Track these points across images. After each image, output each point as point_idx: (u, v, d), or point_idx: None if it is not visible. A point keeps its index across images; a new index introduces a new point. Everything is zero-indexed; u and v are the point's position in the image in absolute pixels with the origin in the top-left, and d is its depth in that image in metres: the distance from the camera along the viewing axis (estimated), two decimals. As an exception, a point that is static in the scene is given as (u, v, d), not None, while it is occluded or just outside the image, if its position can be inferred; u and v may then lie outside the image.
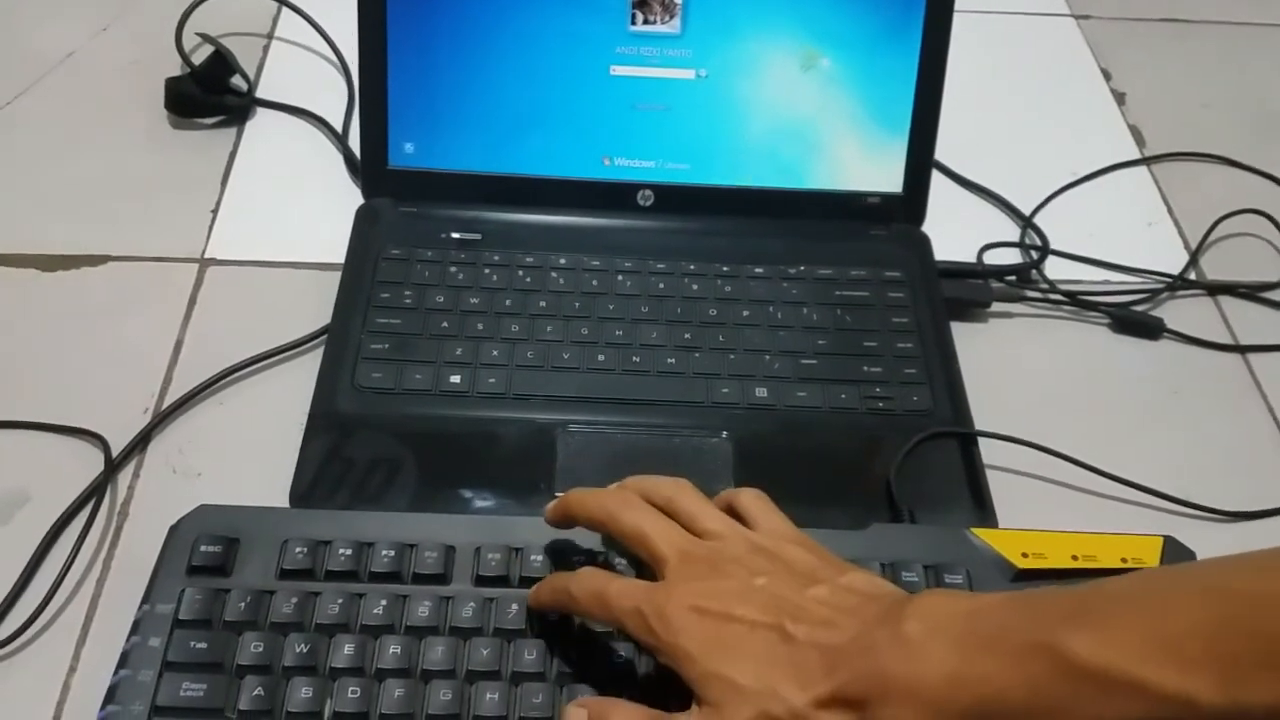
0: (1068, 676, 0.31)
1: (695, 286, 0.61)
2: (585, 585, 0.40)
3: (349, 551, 0.45)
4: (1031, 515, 0.51)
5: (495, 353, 0.56)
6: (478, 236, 0.62)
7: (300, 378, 0.56)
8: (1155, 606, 0.31)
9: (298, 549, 0.45)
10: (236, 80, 0.73)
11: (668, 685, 0.38)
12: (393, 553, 0.45)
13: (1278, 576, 0.30)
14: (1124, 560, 0.47)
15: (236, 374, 0.57)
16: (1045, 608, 0.33)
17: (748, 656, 0.36)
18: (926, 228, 0.64)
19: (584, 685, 0.42)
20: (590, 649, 0.43)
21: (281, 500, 0.51)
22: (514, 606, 0.44)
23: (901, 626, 0.34)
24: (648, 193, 0.64)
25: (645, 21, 0.61)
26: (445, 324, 0.57)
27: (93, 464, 0.53)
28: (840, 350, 0.58)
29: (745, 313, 0.60)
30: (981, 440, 0.55)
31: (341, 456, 0.52)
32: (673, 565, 0.39)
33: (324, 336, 0.58)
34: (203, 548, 0.46)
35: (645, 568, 0.41)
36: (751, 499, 0.43)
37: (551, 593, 0.42)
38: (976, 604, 0.35)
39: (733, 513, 0.43)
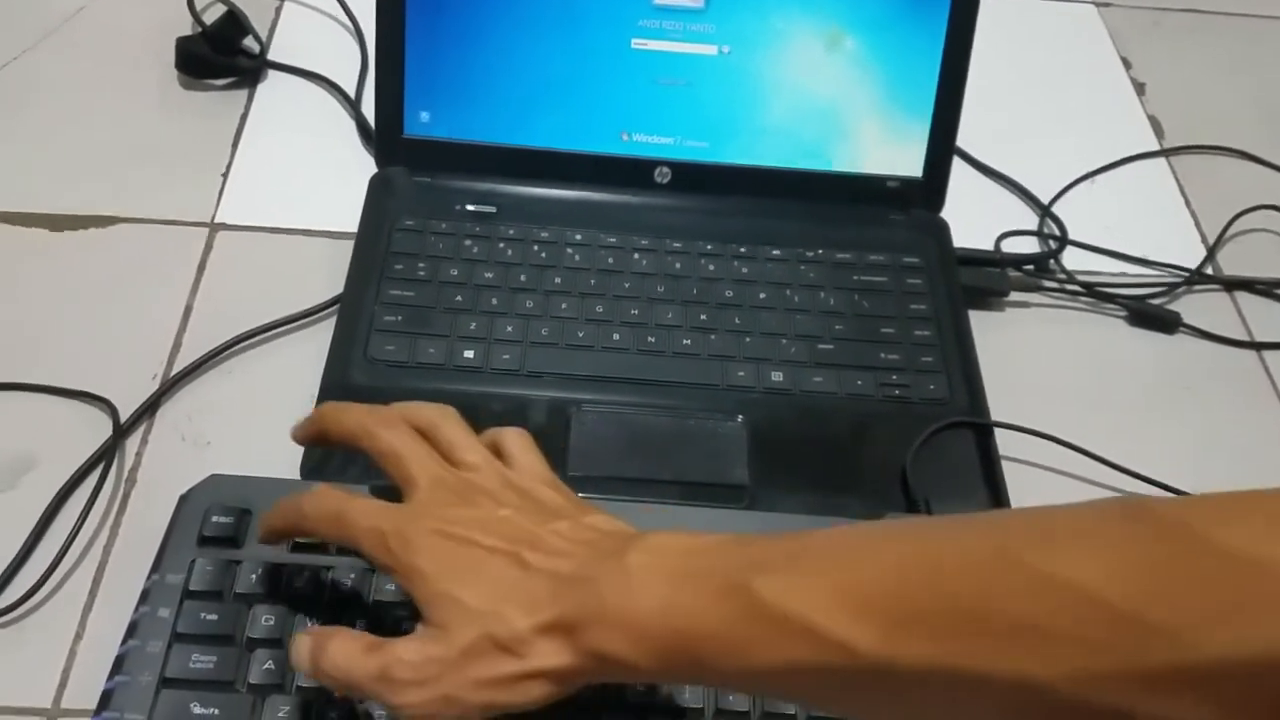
0: (754, 617, 0.32)
1: (712, 267, 0.60)
2: (321, 505, 0.39)
3: (363, 526, 0.44)
4: (1045, 508, 0.51)
5: (509, 329, 0.56)
6: (493, 209, 0.61)
7: (311, 348, 0.56)
8: (848, 558, 0.32)
9: (310, 522, 0.45)
10: (249, 41, 0.72)
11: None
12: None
13: (956, 544, 0.31)
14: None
15: (247, 342, 0.57)
16: (753, 552, 0.34)
17: (481, 580, 0.36)
18: (947, 214, 0.63)
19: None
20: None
21: (292, 472, 0.50)
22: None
23: (625, 559, 0.35)
24: (665, 170, 0.63)
25: (669, -5, 0.60)
26: (459, 298, 0.57)
27: (100, 430, 0.52)
28: (857, 336, 0.58)
29: (762, 295, 0.59)
30: (997, 431, 0.54)
31: (354, 430, 0.51)
32: (423, 489, 0.39)
33: (336, 307, 0.57)
34: (214, 518, 0.45)
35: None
36: (515, 438, 0.43)
37: (283, 516, 0.41)
38: (697, 542, 0.35)
39: (496, 451, 0.42)
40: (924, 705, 0.31)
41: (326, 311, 0.58)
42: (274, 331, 0.57)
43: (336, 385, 0.53)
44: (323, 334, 0.56)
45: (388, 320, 0.55)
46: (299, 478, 0.50)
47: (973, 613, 0.29)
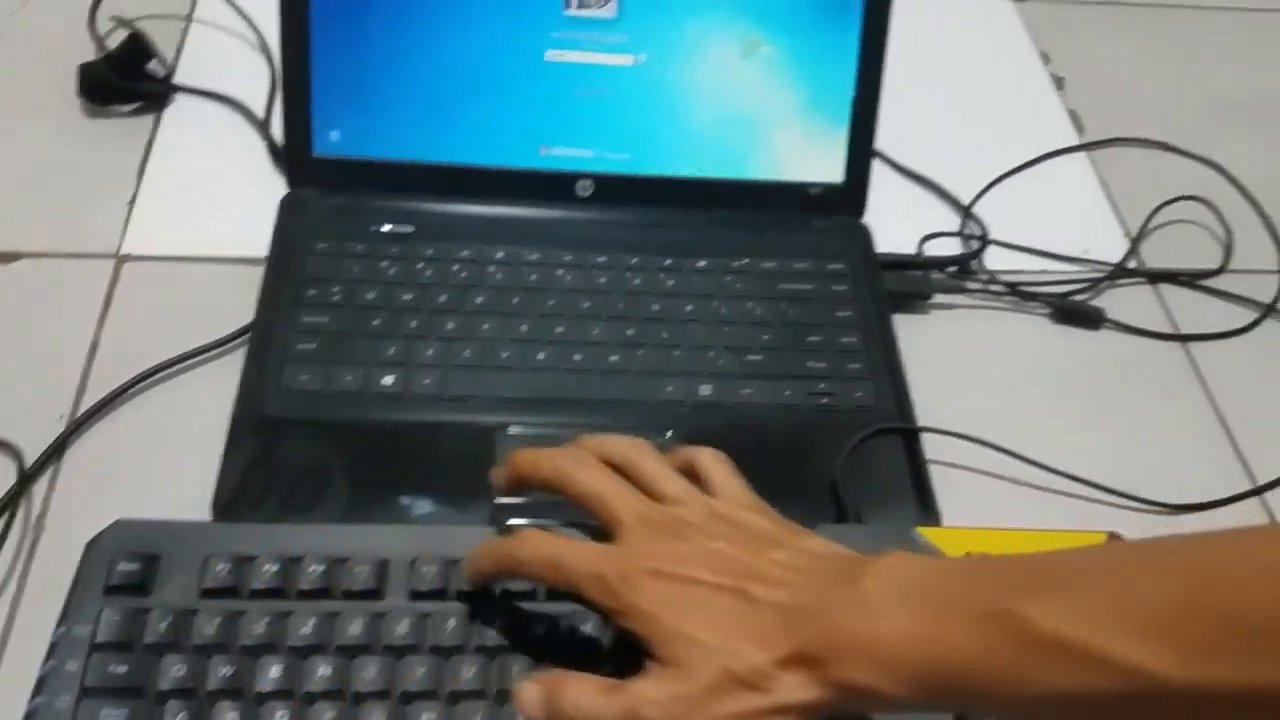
0: (1027, 644, 0.31)
1: (637, 281, 0.59)
2: (535, 551, 0.39)
3: (275, 567, 0.43)
4: (976, 511, 0.51)
5: (430, 352, 0.54)
6: (410, 229, 0.60)
7: (224, 379, 0.54)
8: (1117, 579, 0.32)
9: (220, 566, 0.43)
10: (154, 65, 0.70)
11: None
12: (322, 567, 0.43)
13: (1241, 556, 0.30)
14: (1069, 558, 0.46)
15: (156, 377, 0.55)
16: (1005, 573, 0.34)
17: (710, 617, 0.36)
18: (868, 218, 0.63)
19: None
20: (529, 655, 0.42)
21: (204, 511, 0.49)
22: (451, 622, 0.42)
23: (860, 586, 0.34)
24: (587, 183, 0.62)
25: (581, 5, 0.59)
26: (377, 322, 0.55)
27: (5, 476, 0.50)
28: (784, 345, 0.57)
29: (689, 307, 0.58)
30: (925, 435, 0.54)
31: (267, 464, 0.50)
32: (630, 528, 0.38)
33: (247, 336, 0.55)
34: (120, 566, 0.43)
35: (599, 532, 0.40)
36: (711, 461, 0.42)
37: (494, 559, 0.41)
38: (936, 566, 0.35)
39: (690, 473, 0.42)
40: None
41: (238, 341, 0.56)
42: (184, 364, 0.55)
43: (248, 419, 0.51)
44: (235, 365, 0.54)
45: (301, 348, 0.54)
46: (210, 518, 0.48)
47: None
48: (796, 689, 0.34)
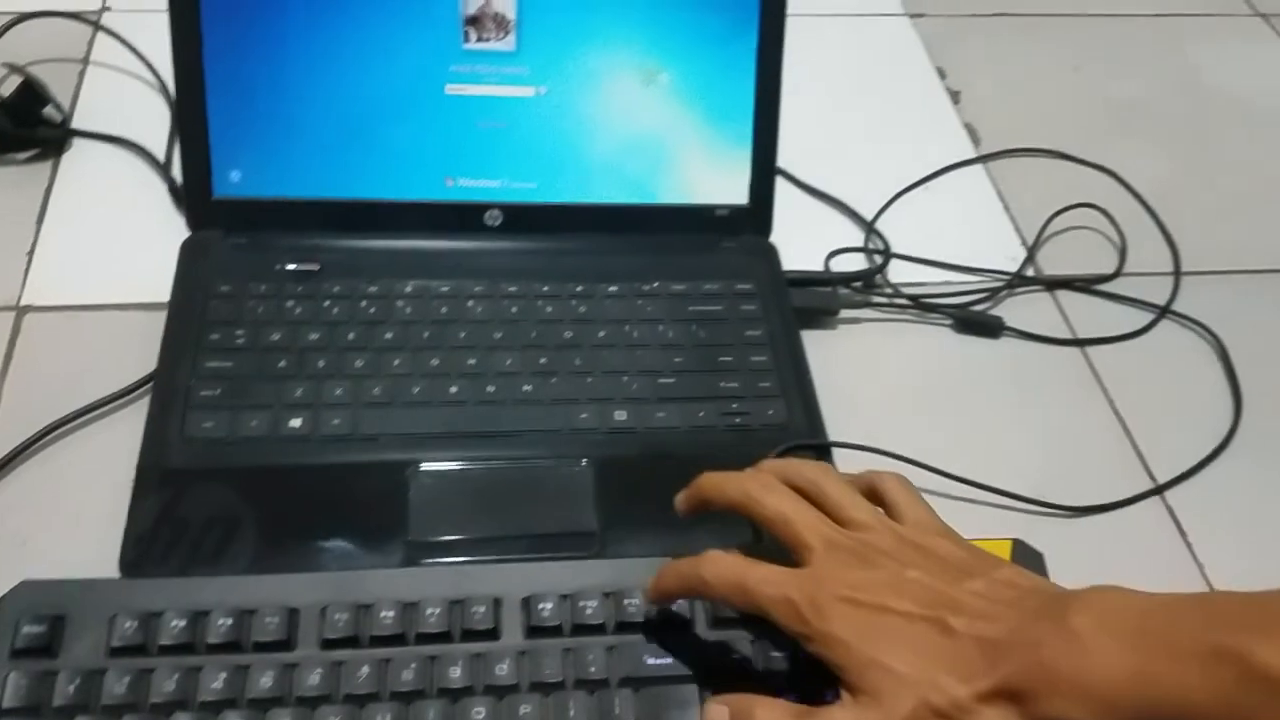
0: (1258, 685, 0.30)
1: (549, 309, 0.59)
2: (722, 573, 0.39)
3: (183, 622, 0.42)
4: (888, 523, 0.52)
5: (339, 391, 0.54)
6: (316, 267, 0.59)
7: (129, 430, 0.53)
8: None
9: (128, 623, 0.42)
10: (50, 111, 0.68)
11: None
12: (230, 620, 0.42)
13: None
14: (976, 565, 0.47)
15: (60, 430, 0.54)
16: (1227, 611, 0.33)
17: (906, 647, 0.35)
18: (775, 237, 0.64)
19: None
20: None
21: (112, 567, 0.48)
22: (364, 669, 0.42)
23: (1068, 620, 0.34)
24: (495, 213, 0.62)
25: (479, 39, 0.60)
26: (283, 363, 0.55)
27: (-99, 539, 0.49)
28: (697, 367, 0.58)
29: (601, 333, 0.59)
30: (836, 449, 0.55)
31: (174, 516, 0.49)
32: (818, 553, 0.38)
33: (150, 384, 0.54)
34: (25, 628, 0.42)
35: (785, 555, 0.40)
36: (896, 486, 0.42)
37: (680, 580, 0.41)
38: (1151, 602, 0.34)
39: (874, 497, 0.42)
40: None
41: (142, 390, 0.55)
42: (88, 417, 0.54)
43: (153, 471, 0.50)
44: (141, 414, 0.53)
45: (205, 395, 0.53)
46: (119, 574, 0.47)
47: None
48: None
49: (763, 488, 0.41)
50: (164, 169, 0.67)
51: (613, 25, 0.60)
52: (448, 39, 0.59)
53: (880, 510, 0.42)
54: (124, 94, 0.73)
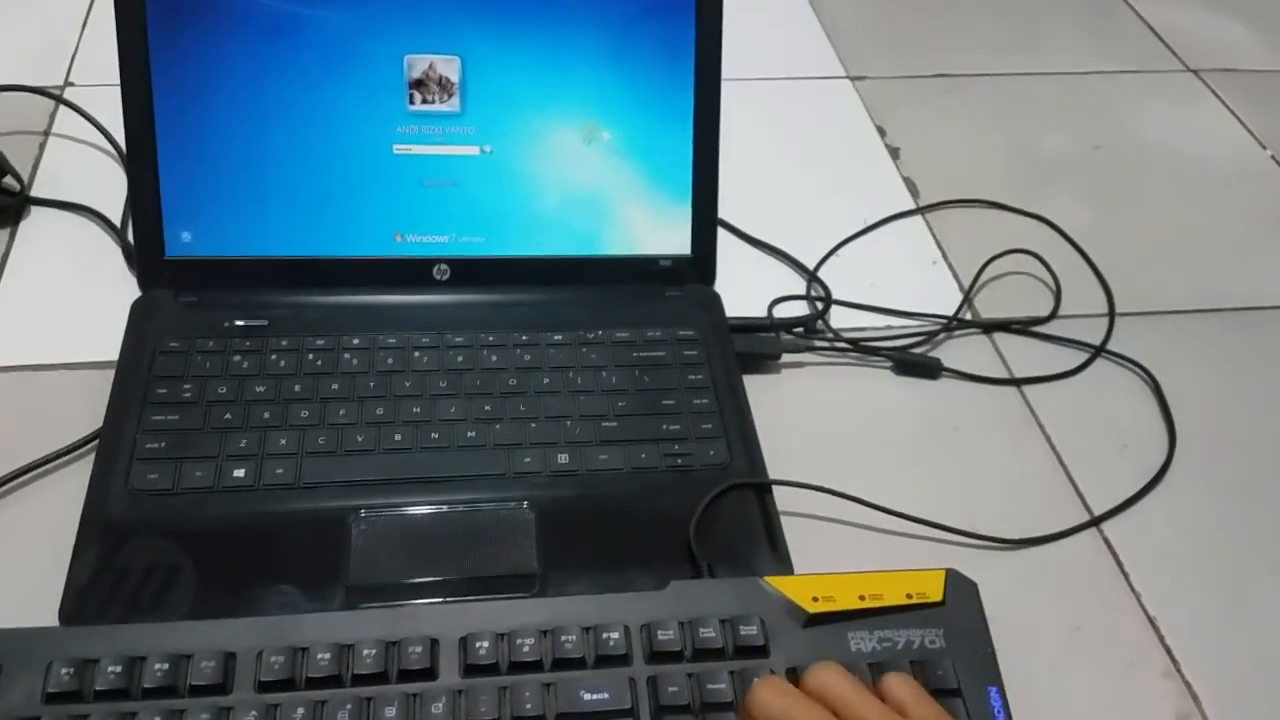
0: None
1: (494, 357, 0.61)
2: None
3: (118, 668, 0.42)
4: (827, 557, 0.53)
5: (283, 441, 0.55)
6: (264, 322, 0.60)
7: (74, 486, 0.53)
8: None
9: (64, 670, 0.42)
10: (8, 181, 0.70)
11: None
12: (166, 665, 0.43)
13: None
14: (909, 596, 0.48)
15: (6, 486, 0.54)
16: None
17: None
18: (720, 286, 0.66)
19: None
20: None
21: (51, 618, 0.48)
22: (299, 711, 0.42)
23: None
24: (443, 267, 0.64)
25: (424, 101, 0.62)
26: (228, 416, 0.55)
27: None
28: (639, 410, 0.59)
29: (545, 380, 0.60)
30: (778, 488, 0.56)
31: (115, 567, 0.49)
32: None
33: (97, 440, 0.55)
34: (-42, 678, 0.42)
35: None
36: (898, 684, 0.42)
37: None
38: None
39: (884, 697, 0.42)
40: None
41: (88, 445, 0.56)
42: (35, 472, 0.55)
43: (95, 523, 0.51)
44: (86, 469, 0.54)
45: (150, 447, 0.53)
46: (58, 623, 0.47)
47: None
48: None
49: (799, 704, 0.40)
50: (119, 233, 0.69)
51: (553, 86, 0.62)
52: (393, 101, 0.61)
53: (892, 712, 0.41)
54: (83, 164, 0.74)
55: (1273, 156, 0.85)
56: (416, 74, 0.61)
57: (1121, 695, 0.51)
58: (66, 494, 0.53)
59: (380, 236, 0.63)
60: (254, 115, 0.60)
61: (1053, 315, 0.70)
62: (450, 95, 0.62)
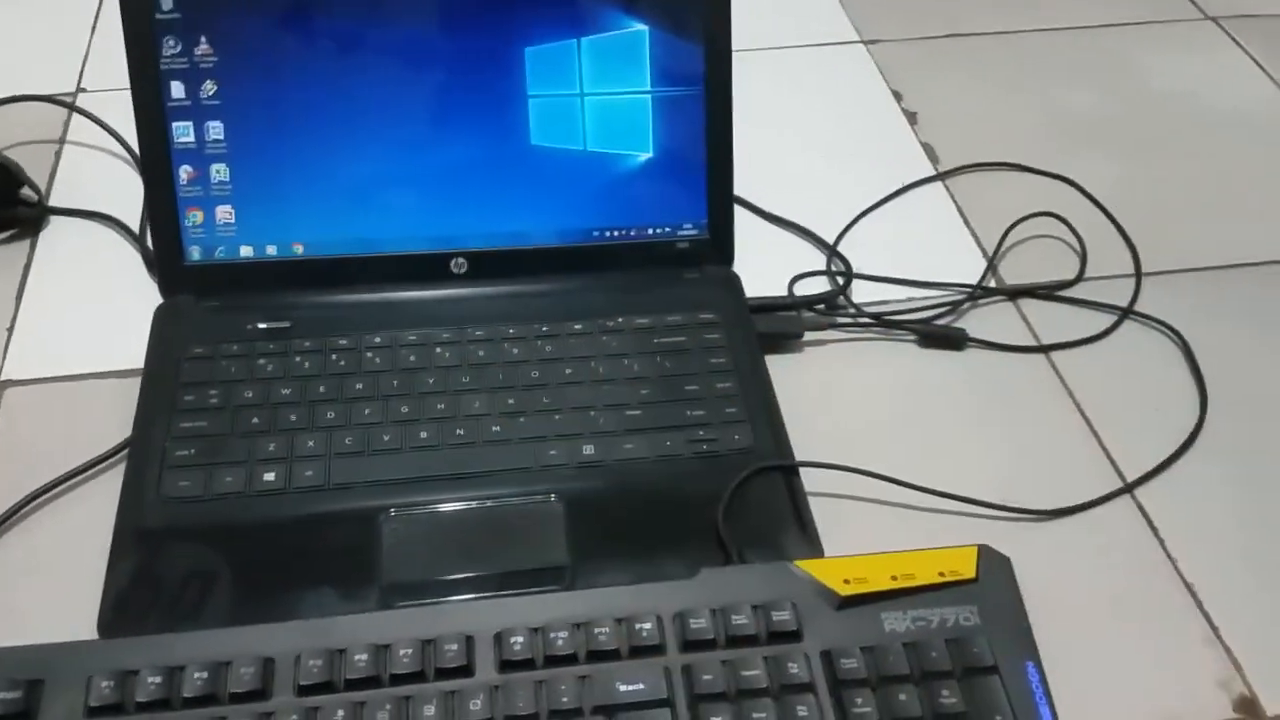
0: None
1: (516, 350, 0.61)
2: None
3: (158, 679, 0.43)
4: (858, 537, 0.52)
5: (311, 444, 0.55)
6: (287, 324, 0.60)
7: (109, 495, 0.54)
8: None
9: (104, 683, 0.43)
10: (26, 191, 0.70)
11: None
12: (205, 674, 0.43)
13: None
14: (941, 574, 0.48)
15: (40, 499, 0.55)
16: None
17: None
18: (739, 265, 0.65)
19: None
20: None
21: (90, 631, 0.48)
22: (339, 713, 0.42)
23: None
24: (461, 260, 0.64)
25: (433, 93, 0.61)
26: (256, 420, 0.56)
27: (-115, 615, 0.50)
28: (663, 398, 0.59)
29: (568, 371, 0.60)
30: (805, 470, 0.55)
31: (151, 576, 0.50)
32: None
33: (128, 449, 0.55)
34: (2, 694, 0.43)
35: None
36: None
37: None
38: None
39: None
40: None
41: (119, 455, 0.56)
42: (70, 483, 0.56)
43: (129, 532, 0.51)
44: (118, 479, 0.54)
45: (180, 455, 0.54)
46: (97, 636, 0.48)
47: None
48: None
49: None
50: (139, 239, 0.69)
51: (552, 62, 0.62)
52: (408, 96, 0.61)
53: None
54: (99, 171, 0.75)
55: (1299, 103, 0.84)
56: (425, 67, 0.61)
57: (1161, 665, 0.50)
58: (100, 504, 0.54)
59: (398, 233, 0.63)
60: (267, 115, 0.60)
61: (1079, 278, 0.69)
62: (459, 86, 0.62)
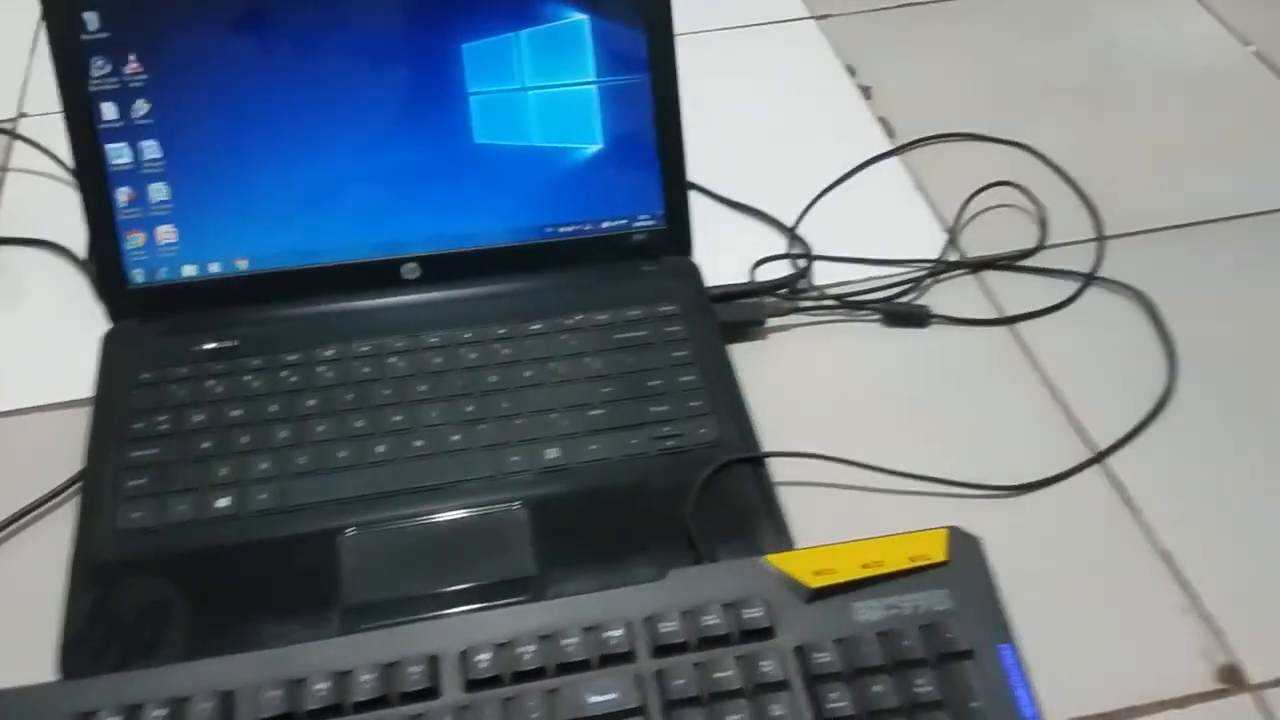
0: None
1: (473, 355, 0.59)
2: None
3: (117, 719, 0.42)
4: (830, 525, 0.52)
5: (265, 465, 0.54)
6: (234, 343, 0.59)
7: (61, 531, 0.53)
8: None
9: (61, 728, 0.42)
10: (-35, 221, 0.69)
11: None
12: (164, 711, 0.42)
13: None
14: (911, 559, 0.47)
15: (-8, 540, 0.54)
16: None
17: None
18: (698, 254, 0.64)
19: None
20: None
21: (49, 674, 0.47)
22: (302, 744, 0.41)
23: None
24: (413, 265, 0.62)
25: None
26: (207, 444, 0.54)
27: None
28: (625, 395, 0.58)
29: (527, 373, 0.59)
30: (773, 459, 0.55)
31: (109, 611, 0.49)
32: None
33: (80, 483, 0.54)
34: (-44, 745, 0.42)
35: None
36: None
37: None
38: None
39: None
40: None
41: (72, 489, 0.55)
42: (20, 523, 0.54)
43: (85, 568, 0.50)
44: (70, 514, 0.53)
45: (132, 485, 0.53)
46: (56, 676, 0.47)
47: None
48: None
49: None
50: (85, 266, 0.67)
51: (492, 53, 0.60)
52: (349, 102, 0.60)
53: None
54: (44, 197, 0.73)
55: (1255, 53, 0.83)
56: (361, 71, 0.59)
57: (1140, 638, 0.50)
58: (54, 541, 0.53)
59: (345, 241, 0.62)
60: (203, 131, 0.59)
61: (1040, 246, 0.68)
62: (398, 89, 0.60)
